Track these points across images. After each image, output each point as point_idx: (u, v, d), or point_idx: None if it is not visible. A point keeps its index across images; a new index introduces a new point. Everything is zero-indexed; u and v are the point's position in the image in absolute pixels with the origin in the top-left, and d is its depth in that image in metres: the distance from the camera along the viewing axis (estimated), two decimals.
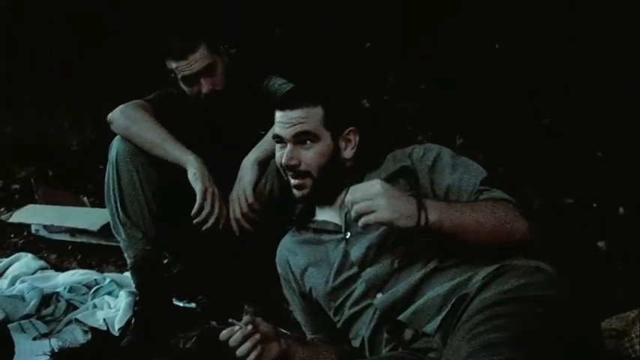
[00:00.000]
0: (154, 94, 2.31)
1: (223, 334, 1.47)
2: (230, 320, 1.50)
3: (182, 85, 2.23)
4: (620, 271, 2.23)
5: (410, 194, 1.45)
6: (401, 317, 1.48)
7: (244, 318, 1.49)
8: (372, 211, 1.39)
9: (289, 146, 1.66)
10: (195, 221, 2.05)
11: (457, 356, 1.18)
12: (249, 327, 1.47)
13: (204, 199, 2.04)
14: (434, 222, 1.40)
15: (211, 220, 2.05)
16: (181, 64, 2.17)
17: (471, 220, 1.43)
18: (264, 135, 2.13)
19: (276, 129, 1.70)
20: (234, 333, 1.46)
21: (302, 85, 2.06)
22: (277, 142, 1.71)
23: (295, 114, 1.66)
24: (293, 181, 1.67)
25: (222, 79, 2.22)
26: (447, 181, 1.60)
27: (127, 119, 2.14)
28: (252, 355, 1.45)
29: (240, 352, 1.45)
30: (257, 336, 1.46)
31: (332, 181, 1.68)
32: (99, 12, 3.67)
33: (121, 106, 2.19)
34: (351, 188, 1.45)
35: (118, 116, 2.16)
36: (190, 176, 2.07)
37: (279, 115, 1.69)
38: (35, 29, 3.88)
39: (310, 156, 1.65)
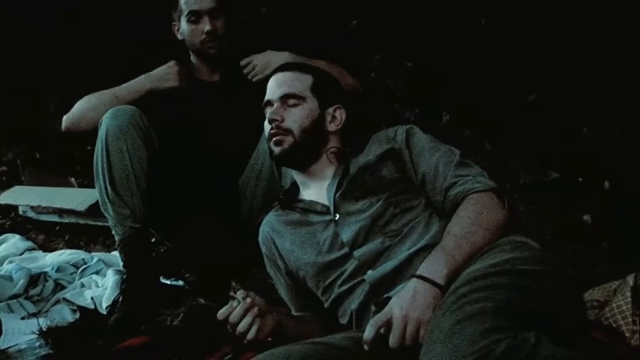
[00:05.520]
0: None
1: (222, 312, 1.45)
2: (231, 294, 1.47)
3: (185, 29, 2.28)
4: (604, 244, 2.25)
5: (414, 275, 1.40)
6: (390, 294, 1.47)
7: (239, 292, 1.46)
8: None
9: (275, 104, 1.69)
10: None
11: (443, 327, 1.17)
12: (248, 300, 1.45)
13: None
14: (448, 277, 1.37)
15: None
16: None
17: (468, 246, 1.43)
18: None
19: (266, 95, 1.73)
20: (233, 309, 1.44)
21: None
22: (266, 109, 1.73)
23: (285, 76, 1.72)
24: (274, 137, 1.68)
25: (225, 32, 2.27)
26: (423, 167, 1.63)
27: (82, 102, 2.25)
28: (253, 330, 1.44)
29: (241, 327, 1.43)
30: (255, 309, 1.45)
31: (311, 146, 1.69)
32: None
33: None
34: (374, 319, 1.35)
35: (74, 110, 2.26)
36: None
37: (270, 81, 1.74)
38: (20, 12, 3.84)
39: (295, 113, 1.68)
